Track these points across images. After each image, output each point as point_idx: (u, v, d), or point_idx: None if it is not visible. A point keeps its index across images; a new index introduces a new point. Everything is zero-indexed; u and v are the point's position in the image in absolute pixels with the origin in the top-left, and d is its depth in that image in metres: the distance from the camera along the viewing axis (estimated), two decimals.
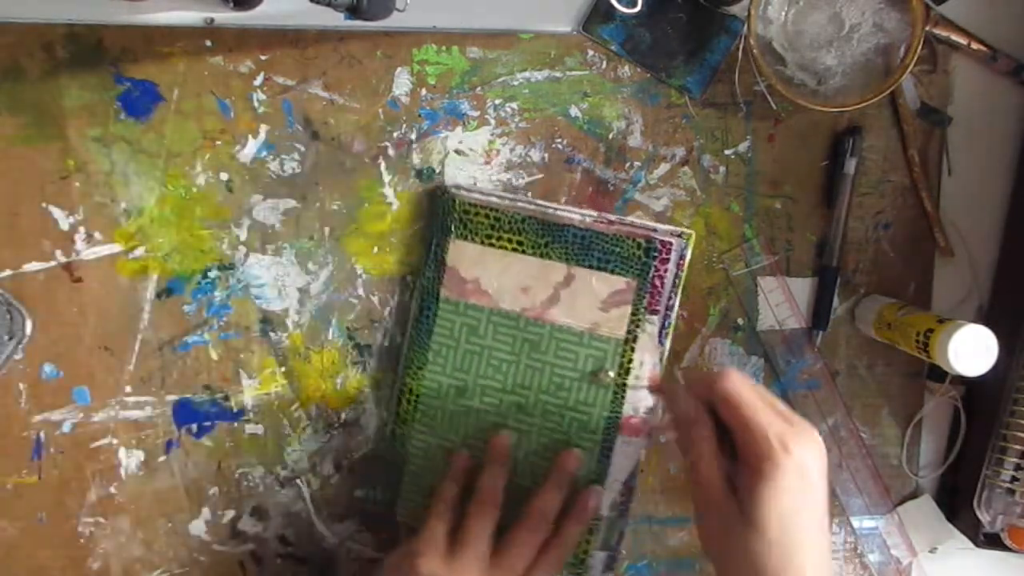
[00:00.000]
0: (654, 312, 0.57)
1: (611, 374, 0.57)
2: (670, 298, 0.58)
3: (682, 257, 0.58)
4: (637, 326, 0.57)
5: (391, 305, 0.61)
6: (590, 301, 0.58)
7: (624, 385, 0.58)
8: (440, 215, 0.59)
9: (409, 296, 0.61)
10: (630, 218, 0.60)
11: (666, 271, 0.57)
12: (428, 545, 0.52)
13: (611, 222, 0.58)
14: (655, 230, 0.57)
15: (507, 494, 0.56)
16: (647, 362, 0.58)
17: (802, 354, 0.64)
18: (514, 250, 0.58)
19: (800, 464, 0.45)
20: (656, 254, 0.56)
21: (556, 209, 0.58)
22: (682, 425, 0.51)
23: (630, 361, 0.57)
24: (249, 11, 0.56)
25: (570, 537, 0.56)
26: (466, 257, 0.59)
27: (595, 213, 0.58)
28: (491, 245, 0.58)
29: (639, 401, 0.58)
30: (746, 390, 0.47)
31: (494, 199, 0.59)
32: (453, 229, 0.58)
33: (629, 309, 0.57)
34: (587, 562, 0.59)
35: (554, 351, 0.58)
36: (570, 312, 0.58)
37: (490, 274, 0.58)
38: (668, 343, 0.58)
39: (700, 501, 0.48)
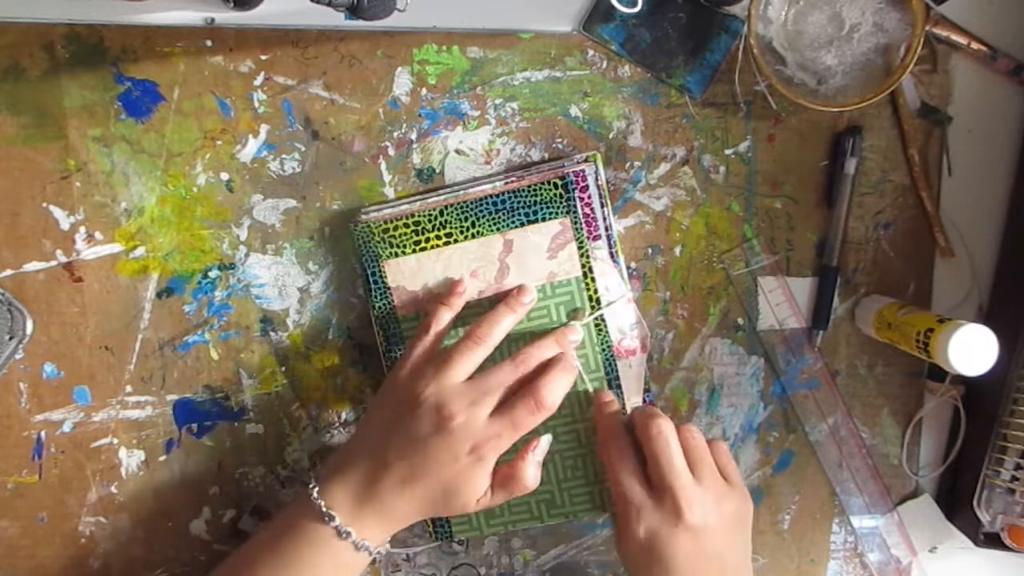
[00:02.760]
0: (596, 238, 0.58)
1: (585, 311, 0.58)
2: (605, 219, 0.59)
3: (598, 178, 0.59)
4: (588, 257, 0.58)
5: None
6: (537, 255, 0.58)
7: (601, 315, 0.59)
8: (363, 245, 0.59)
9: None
10: (534, 166, 0.61)
11: (590, 197, 0.58)
12: (406, 360, 0.55)
13: (521, 177, 0.59)
14: (563, 165, 0.59)
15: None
16: (612, 284, 0.59)
17: (802, 354, 0.64)
18: (446, 244, 0.59)
19: (693, 527, 0.51)
20: (574, 186, 0.58)
21: (466, 188, 0.59)
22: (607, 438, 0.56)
23: (596, 291, 0.59)
24: (249, 11, 0.57)
25: (552, 378, 0.53)
26: (405, 272, 0.59)
27: (503, 176, 0.60)
28: (423, 250, 0.59)
29: (621, 323, 0.60)
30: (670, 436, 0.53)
31: (405, 206, 0.59)
32: (381, 252, 0.59)
33: (574, 245, 0.58)
34: None
35: (526, 316, 0.58)
36: (523, 274, 0.59)
37: (435, 276, 0.59)
38: (622, 260, 0.60)
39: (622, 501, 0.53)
